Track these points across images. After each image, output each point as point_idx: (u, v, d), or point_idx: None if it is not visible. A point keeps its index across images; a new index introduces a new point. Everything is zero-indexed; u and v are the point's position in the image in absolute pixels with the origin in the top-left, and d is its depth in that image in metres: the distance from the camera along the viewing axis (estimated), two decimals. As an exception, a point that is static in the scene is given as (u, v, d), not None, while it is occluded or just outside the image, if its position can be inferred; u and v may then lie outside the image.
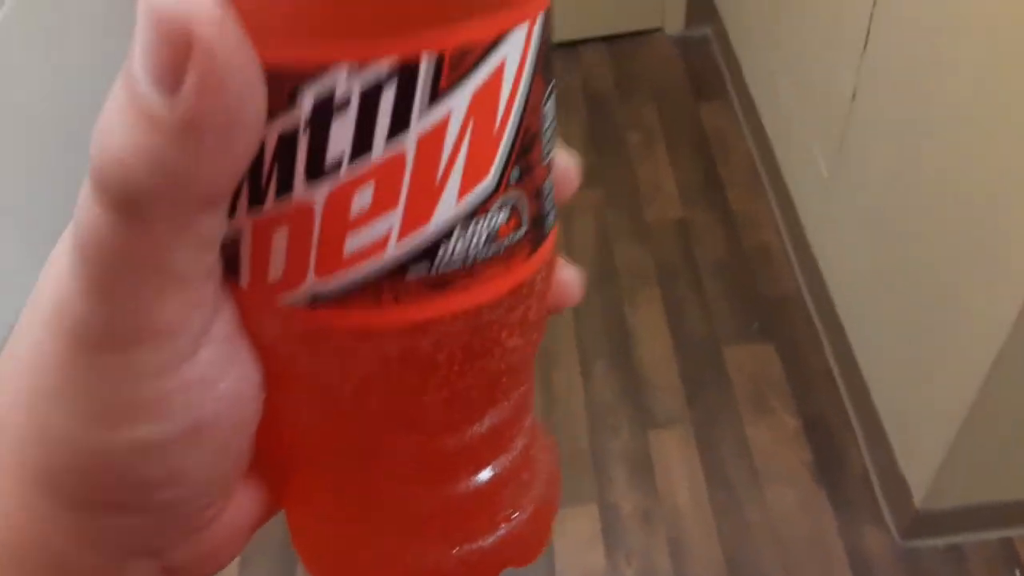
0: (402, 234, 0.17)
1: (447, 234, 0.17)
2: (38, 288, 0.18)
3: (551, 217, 0.20)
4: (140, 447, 0.17)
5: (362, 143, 0.16)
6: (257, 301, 0.18)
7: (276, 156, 0.16)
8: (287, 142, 0.16)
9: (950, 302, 0.99)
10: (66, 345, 0.17)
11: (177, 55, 0.14)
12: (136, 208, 0.15)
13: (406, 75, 0.16)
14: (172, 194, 0.15)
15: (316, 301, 0.17)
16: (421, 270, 0.17)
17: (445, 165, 0.16)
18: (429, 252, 0.17)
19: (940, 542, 1.16)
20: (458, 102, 0.16)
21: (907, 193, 1.07)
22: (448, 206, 0.17)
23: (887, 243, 1.16)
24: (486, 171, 0.17)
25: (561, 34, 2.00)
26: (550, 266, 0.21)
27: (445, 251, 0.17)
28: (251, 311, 0.18)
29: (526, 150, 0.18)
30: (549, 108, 0.19)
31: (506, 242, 0.18)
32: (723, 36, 1.90)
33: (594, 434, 1.31)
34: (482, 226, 0.18)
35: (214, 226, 0.16)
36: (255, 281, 0.18)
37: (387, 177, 0.16)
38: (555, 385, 1.37)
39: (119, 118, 0.15)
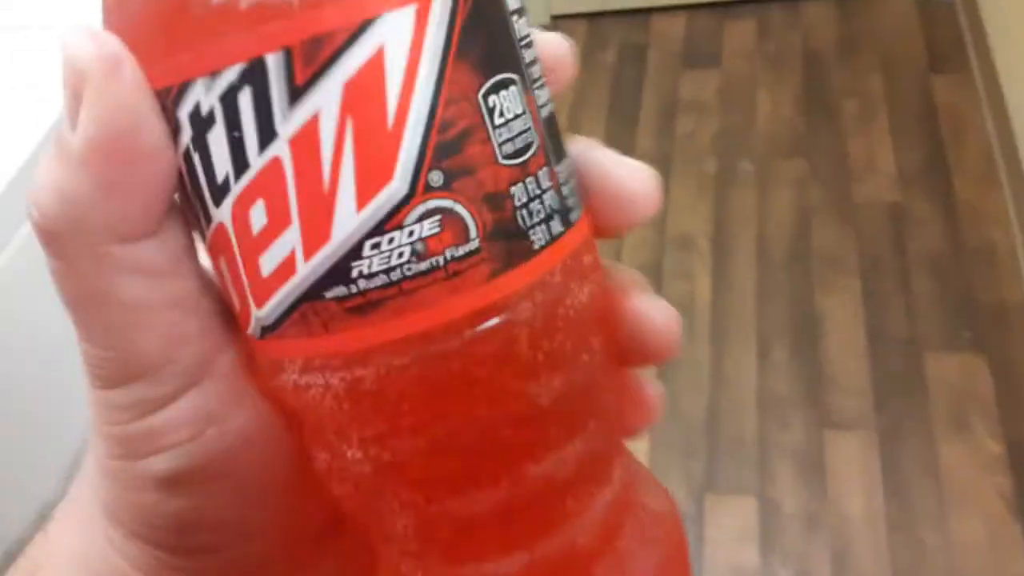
0: (307, 252, 0.16)
1: (356, 249, 0.15)
2: None
3: (540, 229, 0.17)
4: (164, 482, 0.18)
5: (239, 157, 0.16)
6: (246, 339, 0.18)
7: (188, 183, 0.16)
8: (189, 168, 0.16)
9: None
10: (88, 384, 0.18)
11: (77, 94, 0.16)
12: (55, 240, 0.17)
13: (256, 76, 0.15)
14: (81, 225, 0.16)
15: (264, 332, 0.17)
16: (339, 292, 0.16)
17: (330, 171, 0.15)
18: (341, 271, 0.16)
19: None
20: (325, 98, 0.15)
21: None
22: (347, 217, 0.15)
23: None
24: (387, 175, 0.15)
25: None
26: (549, 291, 0.17)
27: (360, 270, 0.16)
28: (246, 351, 0.18)
29: (454, 148, 0.16)
30: (507, 96, 0.16)
31: (444, 258, 0.16)
32: (972, 1, 1.68)
33: (763, 424, 1.23)
34: (402, 239, 0.15)
35: (145, 257, 0.17)
36: (241, 317, 0.17)
37: (271, 189, 0.16)
38: (725, 365, 1.29)
39: (44, 159, 0.17)
